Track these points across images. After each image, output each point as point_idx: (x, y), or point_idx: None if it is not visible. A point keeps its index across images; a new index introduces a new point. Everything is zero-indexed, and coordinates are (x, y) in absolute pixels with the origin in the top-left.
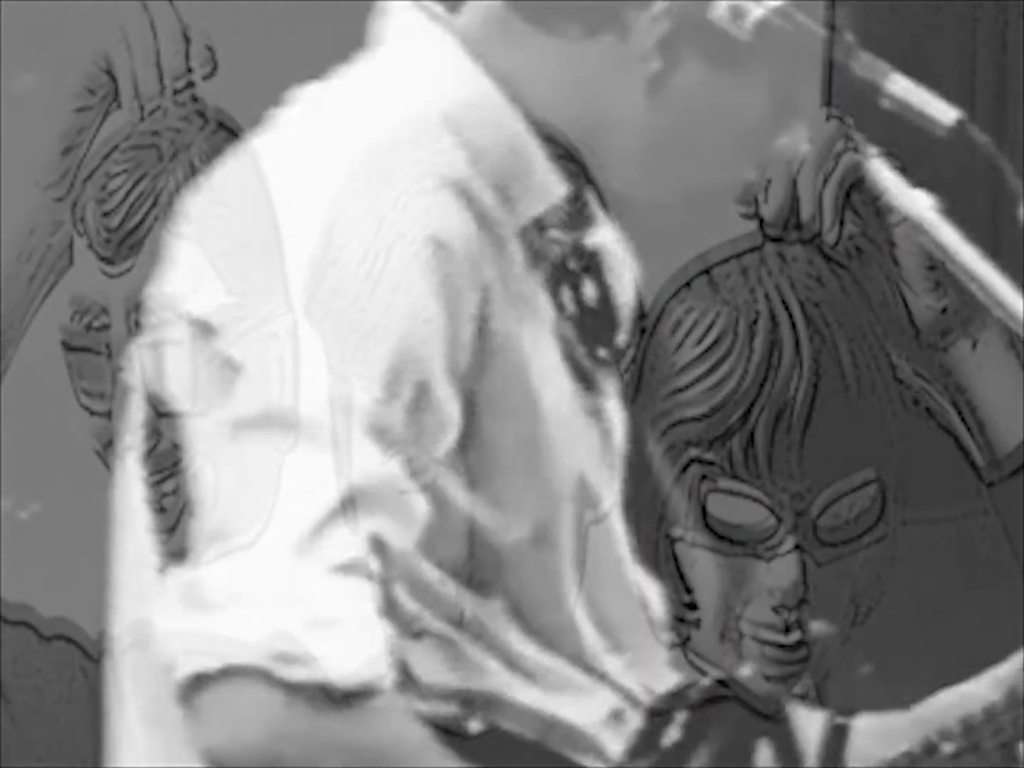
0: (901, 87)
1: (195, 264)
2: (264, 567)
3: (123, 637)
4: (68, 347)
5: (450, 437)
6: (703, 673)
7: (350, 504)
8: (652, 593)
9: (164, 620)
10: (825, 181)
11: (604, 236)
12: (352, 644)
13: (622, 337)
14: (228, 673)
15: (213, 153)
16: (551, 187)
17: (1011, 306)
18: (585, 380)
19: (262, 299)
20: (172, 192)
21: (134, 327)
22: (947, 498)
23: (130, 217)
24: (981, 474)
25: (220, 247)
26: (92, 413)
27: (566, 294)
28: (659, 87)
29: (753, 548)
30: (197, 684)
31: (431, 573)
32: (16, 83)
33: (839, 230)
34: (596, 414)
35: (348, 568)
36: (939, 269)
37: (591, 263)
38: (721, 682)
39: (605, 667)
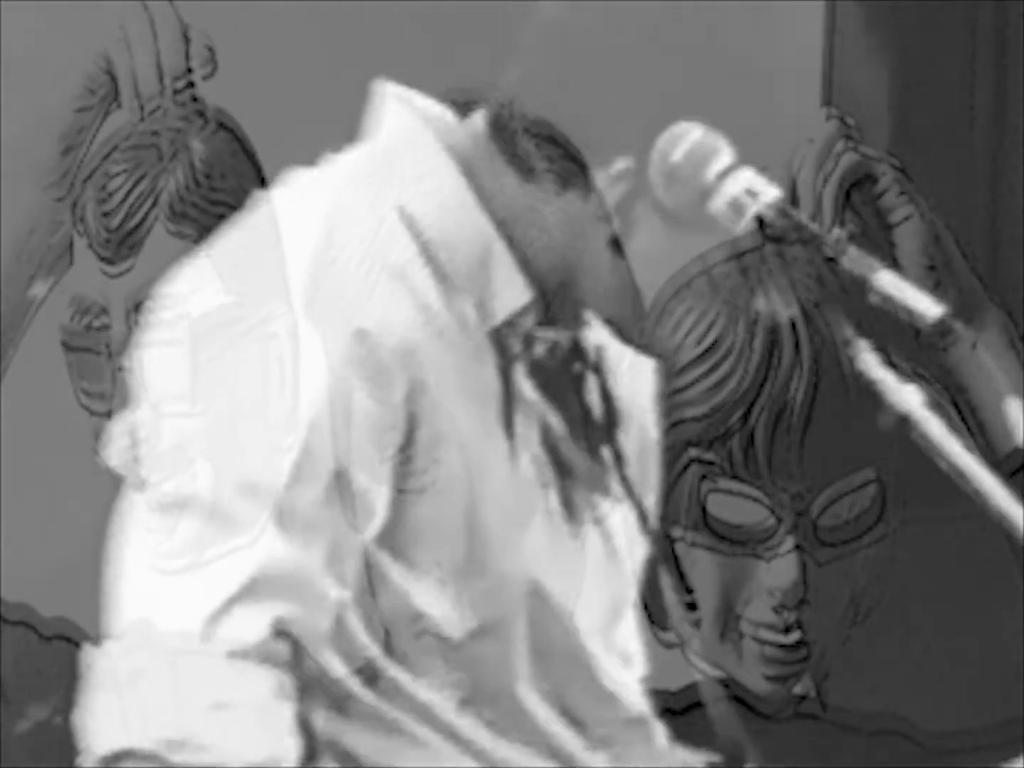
0: (888, 282)
1: (196, 264)
2: (164, 650)
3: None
4: (68, 347)
5: (376, 523)
6: (703, 673)
7: (252, 590)
8: (629, 687)
9: (82, 697)
10: (825, 181)
11: (604, 333)
12: (249, 728)
13: (625, 434)
14: (127, 755)
15: (213, 153)
16: (517, 290)
17: (1005, 508)
18: (584, 482)
19: (262, 299)
20: (172, 192)
21: (134, 327)
22: (947, 498)
23: (130, 217)
24: None
25: (221, 247)
26: (92, 413)
27: (570, 396)
28: (618, 248)
29: (753, 548)
30: (107, 761)
31: (369, 652)
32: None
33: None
34: (596, 518)
35: (247, 653)
36: (939, 269)
37: (594, 362)
38: (722, 682)
39: (583, 764)
